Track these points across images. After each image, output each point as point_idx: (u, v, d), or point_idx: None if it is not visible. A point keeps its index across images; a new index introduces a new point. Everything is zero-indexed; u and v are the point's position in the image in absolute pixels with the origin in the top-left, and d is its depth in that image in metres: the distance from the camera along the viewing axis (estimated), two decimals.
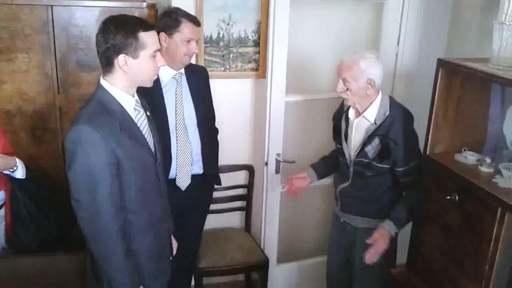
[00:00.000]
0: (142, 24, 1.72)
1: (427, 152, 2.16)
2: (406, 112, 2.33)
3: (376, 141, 2.30)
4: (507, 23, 1.83)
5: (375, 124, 2.30)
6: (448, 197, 1.99)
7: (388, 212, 2.40)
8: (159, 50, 1.79)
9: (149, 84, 1.82)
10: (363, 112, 2.33)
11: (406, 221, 2.37)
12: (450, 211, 2.03)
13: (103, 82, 1.76)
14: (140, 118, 1.84)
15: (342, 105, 2.53)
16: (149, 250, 1.93)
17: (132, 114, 1.80)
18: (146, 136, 1.85)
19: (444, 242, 2.09)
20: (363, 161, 2.36)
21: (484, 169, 1.99)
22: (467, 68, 1.92)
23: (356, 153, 2.37)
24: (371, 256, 2.34)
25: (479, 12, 2.96)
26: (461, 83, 2.09)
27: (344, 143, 2.45)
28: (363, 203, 2.46)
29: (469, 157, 2.08)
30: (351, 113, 2.40)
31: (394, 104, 2.33)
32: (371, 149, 2.31)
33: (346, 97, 2.30)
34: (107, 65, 1.72)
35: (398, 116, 2.28)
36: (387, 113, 2.28)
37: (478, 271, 1.87)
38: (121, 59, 1.69)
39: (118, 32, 1.67)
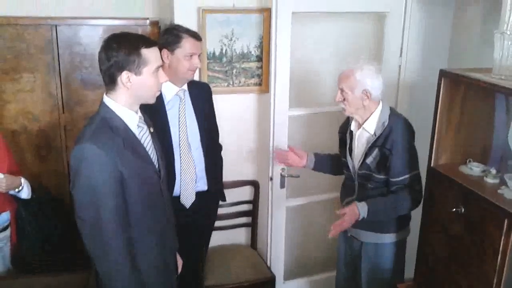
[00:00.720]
0: (144, 41, 1.73)
1: (432, 164, 2.15)
2: (406, 123, 2.32)
3: (376, 153, 2.29)
4: (508, 33, 1.82)
5: (375, 135, 2.29)
6: (454, 209, 1.97)
7: (394, 225, 2.38)
8: (161, 66, 1.80)
9: (152, 100, 1.83)
10: (363, 124, 2.33)
11: (380, 214, 2.32)
12: (456, 223, 2.00)
13: (106, 99, 1.77)
14: (143, 134, 1.84)
15: (348, 118, 2.53)
16: (155, 267, 1.92)
17: (136, 130, 1.80)
18: (149, 152, 1.85)
19: (451, 255, 2.06)
20: (366, 173, 2.34)
21: (489, 180, 1.98)
22: (469, 78, 1.92)
23: (359, 165, 2.36)
24: (335, 229, 2.33)
25: (481, 22, 2.96)
26: (464, 94, 2.09)
27: (348, 156, 2.45)
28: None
29: (474, 169, 2.07)
30: (353, 125, 2.41)
31: (394, 115, 2.32)
32: (372, 161, 2.31)
33: (344, 107, 2.32)
34: (110, 82, 1.73)
35: (396, 126, 2.27)
36: (386, 123, 2.28)
37: (486, 283, 1.84)
38: (124, 76, 1.70)
39: (121, 49, 1.68)
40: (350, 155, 2.44)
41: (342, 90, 2.29)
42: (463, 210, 1.95)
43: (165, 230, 1.96)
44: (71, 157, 1.69)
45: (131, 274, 1.77)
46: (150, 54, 1.73)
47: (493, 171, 2.00)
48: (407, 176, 2.27)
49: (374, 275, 2.49)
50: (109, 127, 1.71)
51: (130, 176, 1.72)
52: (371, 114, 2.30)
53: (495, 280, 1.80)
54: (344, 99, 2.29)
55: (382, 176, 2.31)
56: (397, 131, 2.26)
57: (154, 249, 1.90)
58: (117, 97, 1.75)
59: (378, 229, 2.42)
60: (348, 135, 2.47)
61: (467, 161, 2.11)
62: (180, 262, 2.24)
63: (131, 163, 1.73)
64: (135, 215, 1.79)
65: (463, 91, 2.09)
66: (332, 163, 2.67)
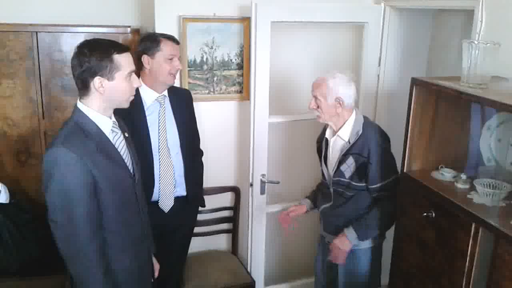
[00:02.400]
0: (116, 47, 1.76)
1: (404, 170, 2.19)
2: (379, 131, 2.37)
3: (350, 160, 2.32)
4: (476, 42, 1.87)
5: (349, 142, 2.33)
6: (425, 213, 2.01)
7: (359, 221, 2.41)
8: (134, 71, 1.82)
9: (125, 105, 1.85)
10: (337, 131, 2.36)
11: (369, 234, 2.38)
12: (427, 227, 2.04)
13: (79, 104, 1.79)
14: (117, 139, 1.86)
15: (325, 128, 2.55)
16: (130, 270, 1.93)
17: (109, 135, 1.82)
18: (124, 156, 1.87)
19: (422, 259, 2.10)
20: (341, 180, 2.37)
21: (459, 185, 2.02)
22: (439, 87, 1.96)
23: (333, 172, 2.40)
24: (333, 259, 2.43)
25: (459, 32, 3.03)
26: (435, 101, 2.14)
27: (323, 164, 2.48)
28: (344, 224, 2.46)
29: (446, 174, 2.11)
30: (328, 132, 2.45)
31: (367, 124, 2.36)
32: (346, 168, 2.34)
33: (318, 114, 2.36)
34: (83, 88, 1.76)
35: (371, 135, 2.31)
36: (360, 132, 2.31)
37: (455, 287, 1.87)
38: (96, 81, 1.73)
39: (93, 55, 1.71)
40: (326, 163, 2.48)
41: (315, 98, 2.33)
42: (433, 215, 1.99)
43: (140, 234, 1.98)
44: (44, 161, 1.70)
45: (104, 278, 1.78)
46: (122, 60, 1.75)
47: (463, 176, 2.04)
48: (384, 182, 2.31)
49: (351, 280, 2.52)
50: (82, 131, 1.73)
51: (103, 180, 1.74)
52: (345, 122, 2.34)
53: (463, 284, 1.84)
54: (318, 106, 2.33)
55: (362, 184, 2.35)
56: (372, 140, 2.30)
57: (128, 253, 1.91)
58: (90, 102, 1.77)
59: None
60: (323, 143, 2.50)
61: (439, 167, 2.16)
62: (157, 266, 2.25)
63: (104, 167, 1.74)
64: (109, 219, 1.80)
65: (435, 98, 2.13)
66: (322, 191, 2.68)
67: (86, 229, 1.72)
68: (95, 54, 1.71)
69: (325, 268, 2.69)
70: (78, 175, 1.68)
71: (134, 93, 1.85)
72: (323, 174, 2.52)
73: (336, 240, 2.39)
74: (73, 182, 1.67)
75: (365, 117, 2.40)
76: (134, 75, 1.82)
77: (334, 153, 2.42)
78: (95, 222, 1.75)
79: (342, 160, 2.35)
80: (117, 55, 1.74)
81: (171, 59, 2.45)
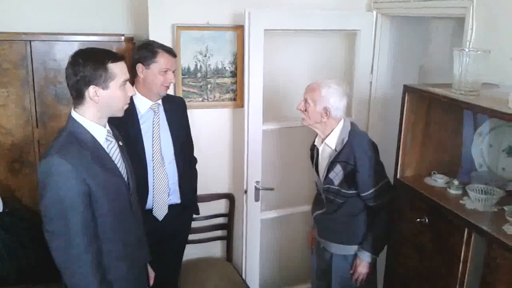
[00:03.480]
0: (111, 56, 1.77)
1: (398, 176, 2.21)
2: (366, 139, 2.39)
3: (338, 168, 2.34)
4: (466, 50, 1.90)
5: (336, 150, 2.35)
6: (418, 219, 2.03)
7: (362, 237, 2.43)
8: (128, 80, 1.83)
9: (120, 113, 1.86)
10: (325, 139, 2.39)
11: (380, 248, 2.41)
12: (422, 232, 2.06)
13: (74, 114, 1.79)
14: (112, 148, 1.86)
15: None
16: (126, 279, 1.93)
17: (104, 144, 1.82)
18: (118, 165, 1.87)
19: (418, 263, 2.12)
20: (330, 187, 2.39)
21: (452, 191, 2.04)
22: (431, 94, 1.99)
23: (323, 179, 2.42)
24: (356, 282, 2.45)
25: (451, 39, 3.07)
26: (428, 108, 2.16)
27: (315, 171, 2.50)
28: (338, 229, 2.48)
29: (439, 180, 2.14)
30: (317, 140, 2.47)
31: (354, 132, 2.38)
32: (335, 176, 2.35)
33: (304, 117, 2.38)
34: (78, 97, 1.76)
35: (357, 142, 2.33)
36: (346, 139, 2.33)
37: None
38: (91, 90, 1.73)
39: (87, 64, 1.71)
40: (317, 170, 2.50)
41: (305, 100, 2.35)
42: (427, 221, 2.01)
43: (135, 243, 1.97)
44: (38, 171, 1.70)
45: (101, 286, 1.77)
46: (117, 69, 1.76)
47: (456, 182, 2.06)
48: (376, 188, 2.32)
49: (346, 286, 2.53)
50: (77, 140, 1.73)
51: (98, 189, 1.74)
52: (332, 130, 2.36)
53: None
54: (305, 110, 2.35)
55: (352, 191, 2.36)
56: (358, 147, 2.31)
57: (124, 262, 1.90)
58: (85, 111, 1.78)
59: (346, 241, 2.47)
60: (315, 150, 2.52)
61: (432, 173, 2.18)
62: (152, 274, 2.25)
63: (99, 176, 1.75)
64: (104, 228, 1.80)
65: (427, 105, 2.16)
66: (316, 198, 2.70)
67: (81, 239, 1.71)
68: (90, 63, 1.71)
69: (319, 273, 2.69)
70: (73, 184, 1.67)
71: (128, 101, 1.86)
72: (316, 182, 2.53)
73: (357, 268, 2.42)
74: (68, 192, 1.67)
75: (353, 125, 2.42)
76: (128, 84, 1.83)
77: (323, 160, 2.44)
78: (91, 232, 1.75)
79: (330, 168, 2.36)
80: (111, 64, 1.74)
81: (165, 71, 2.46)
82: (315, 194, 2.67)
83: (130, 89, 1.84)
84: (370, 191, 2.32)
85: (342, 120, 2.37)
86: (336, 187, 2.36)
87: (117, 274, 1.88)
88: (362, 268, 2.42)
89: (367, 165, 2.29)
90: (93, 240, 1.76)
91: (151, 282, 2.24)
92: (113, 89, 1.76)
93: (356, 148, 2.30)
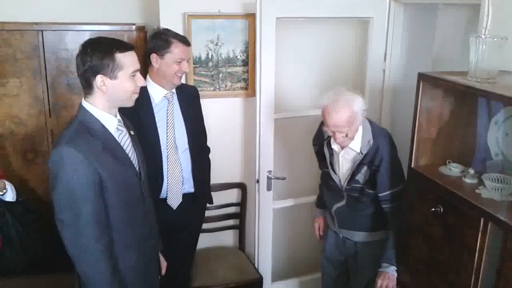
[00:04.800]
0: (119, 45, 1.75)
1: (412, 165, 2.18)
2: (387, 139, 2.35)
3: (364, 169, 2.33)
4: (483, 36, 1.86)
5: (361, 153, 2.31)
6: (433, 209, 2.00)
7: (385, 223, 2.42)
8: (138, 70, 1.81)
9: (130, 104, 1.85)
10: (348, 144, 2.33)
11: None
12: (433, 223, 2.03)
13: (84, 103, 1.79)
14: (123, 137, 1.86)
15: (321, 129, 2.50)
16: (136, 269, 1.93)
17: (115, 133, 1.82)
18: (130, 155, 1.87)
19: (428, 255, 2.09)
20: (355, 186, 2.37)
21: (467, 180, 2.00)
22: (446, 81, 1.95)
23: (347, 181, 2.39)
24: None
25: (464, 26, 3.01)
26: (443, 96, 2.12)
27: (331, 170, 2.46)
28: (361, 220, 2.47)
29: (453, 169, 2.10)
30: (336, 145, 2.39)
31: (376, 131, 2.34)
32: (361, 177, 2.34)
33: (348, 142, 2.29)
34: (87, 86, 1.76)
35: (382, 142, 2.31)
36: (371, 141, 2.30)
37: (463, 283, 1.87)
38: (98, 80, 1.72)
39: (94, 54, 1.71)
40: (333, 169, 2.46)
41: (341, 133, 2.22)
42: (441, 210, 1.98)
43: (146, 232, 1.98)
44: (50, 160, 1.70)
45: (111, 276, 1.79)
46: (125, 59, 1.75)
47: (471, 171, 2.02)
48: (392, 190, 2.32)
49: (374, 272, 2.47)
50: (88, 130, 1.73)
51: (109, 178, 1.74)
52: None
53: (472, 279, 1.83)
54: (346, 135, 2.24)
55: (372, 191, 2.36)
56: (383, 148, 2.30)
57: (134, 251, 1.91)
58: (95, 100, 1.77)
59: (371, 229, 2.48)
60: (326, 148, 2.48)
61: (447, 162, 2.15)
62: (164, 264, 2.26)
63: (110, 165, 1.75)
64: (115, 217, 1.80)
65: (442, 93, 2.12)
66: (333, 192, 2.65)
67: (92, 228, 1.72)
68: (97, 53, 1.71)
69: (337, 262, 2.69)
70: (84, 174, 1.68)
71: (138, 91, 1.84)
72: (331, 177, 2.47)
73: (384, 282, 2.36)
74: (79, 181, 1.67)
75: (372, 123, 2.38)
76: (138, 74, 1.81)
77: (345, 163, 2.39)
78: (102, 221, 1.75)
79: (356, 171, 2.34)
80: (119, 54, 1.73)
81: (180, 61, 2.44)
82: (326, 186, 2.60)
83: (141, 80, 1.83)
84: (388, 192, 2.31)
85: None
86: (361, 185, 2.35)
87: (127, 264, 1.89)
88: (391, 281, 2.35)
89: (389, 165, 2.28)
90: (104, 229, 1.76)
91: (163, 271, 2.25)
92: (122, 79, 1.75)
93: (383, 149, 2.29)
